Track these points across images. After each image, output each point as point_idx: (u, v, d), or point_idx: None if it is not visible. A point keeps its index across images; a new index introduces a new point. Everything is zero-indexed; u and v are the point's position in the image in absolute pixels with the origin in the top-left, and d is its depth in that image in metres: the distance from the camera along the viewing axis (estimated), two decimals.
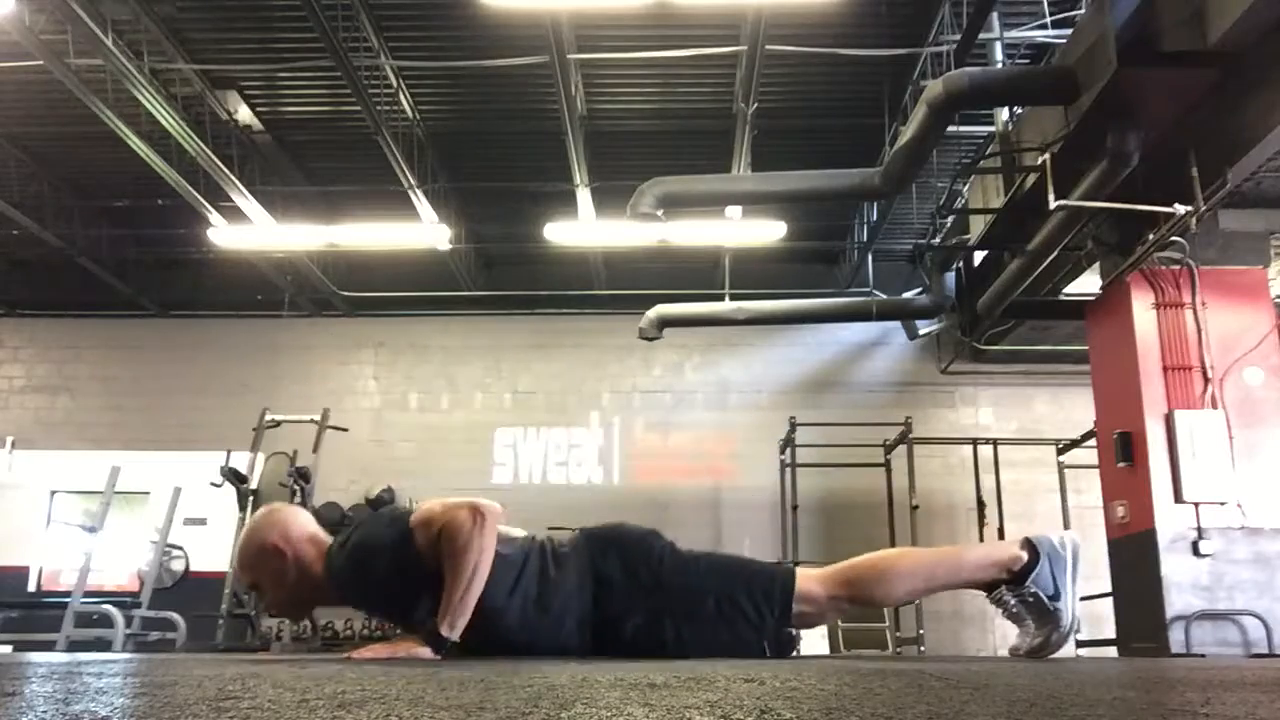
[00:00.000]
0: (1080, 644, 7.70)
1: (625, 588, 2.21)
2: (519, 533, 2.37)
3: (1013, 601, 2.27)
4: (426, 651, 2.10)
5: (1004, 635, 10.19)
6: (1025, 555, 2.24)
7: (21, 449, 11.18)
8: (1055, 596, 2.22)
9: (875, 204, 9.36)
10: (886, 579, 2.27)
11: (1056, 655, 2.27)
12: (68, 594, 7.16)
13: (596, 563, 2.25)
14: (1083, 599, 2.42)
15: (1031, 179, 6.44)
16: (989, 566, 2.27)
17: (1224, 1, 4.75)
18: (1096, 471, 7.39)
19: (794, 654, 2.29)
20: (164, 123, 7.45)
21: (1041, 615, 2.24)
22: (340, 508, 10.61)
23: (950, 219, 9.39)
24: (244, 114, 8.85)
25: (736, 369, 11.08)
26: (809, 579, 2.27)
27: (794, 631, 2.28)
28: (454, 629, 2.12)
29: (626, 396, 11.18)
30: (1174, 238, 6.05)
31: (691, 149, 9.07)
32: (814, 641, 9.82)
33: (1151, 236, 6.14)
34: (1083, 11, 6.49)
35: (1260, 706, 0.90)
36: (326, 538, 2.33)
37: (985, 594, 2.35)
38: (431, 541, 2.14)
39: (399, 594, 2.23)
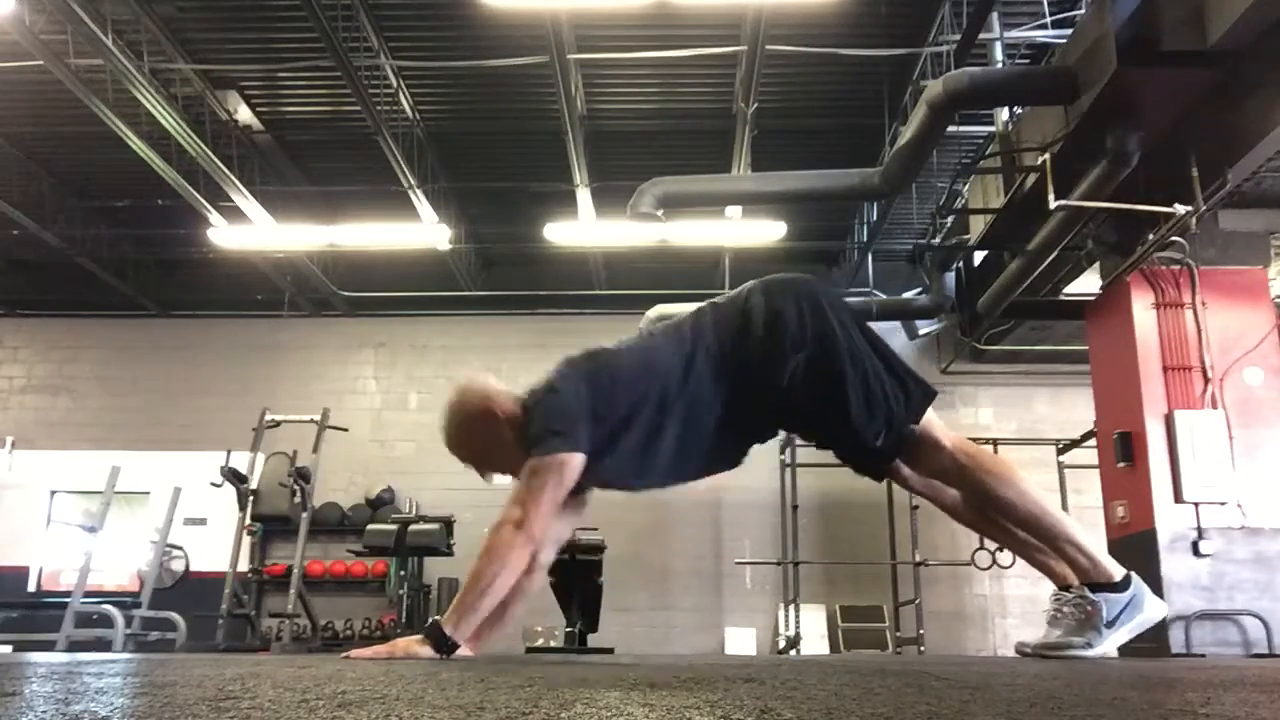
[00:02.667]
0: None
1: (796, 329, 2.21)
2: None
3: (1070, 604, 2.25)
4: (427, 651, 2.10)
5: (1004, 635, 10.19)
6: (1119, 578, 2.22)
7: (21, 449, 11.18)
8: (1109, 625, 2.19)
9: (875, 204, 9.36)
10: (1002, 479, 2.22)
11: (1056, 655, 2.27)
12: (68, 594, 7.15)
13: (774, 302, 2.26)
14: None
15: (1031, 179, 6.44)
16: (1087, 554, 2.23)
17: (1224, 1, 4.75)
18: (1096, 471, 7.39)
19: (894, 458, 2.27)
20: (164, 123, 7.45)
21: (1082, 628, 2.21)
22: (340, 508, 10.62)
23: (950, 219, 9.39)
24: (244, 114, 8.85)
25: None
26: (944, 428, 2.26)
27: (909, 443, 2.24)
28: (459, 631, 2.12)
29: None
30: (1174, 238, 6.05)
31: (691, 149, 9.06)
32: (814, 642, 9.83)
33: (1151, 236, 6.14)
34: (1083, 11, 6.49)
35: (1260, 706, 0.90)
36: (517, 391, 2.34)
37: (1057, 585, 2.32)
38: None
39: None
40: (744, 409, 2.28)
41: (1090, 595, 2.21)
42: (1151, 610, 2.23)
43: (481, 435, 2.29)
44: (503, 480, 2.39)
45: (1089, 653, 2.20)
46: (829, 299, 2.30)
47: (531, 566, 2.37)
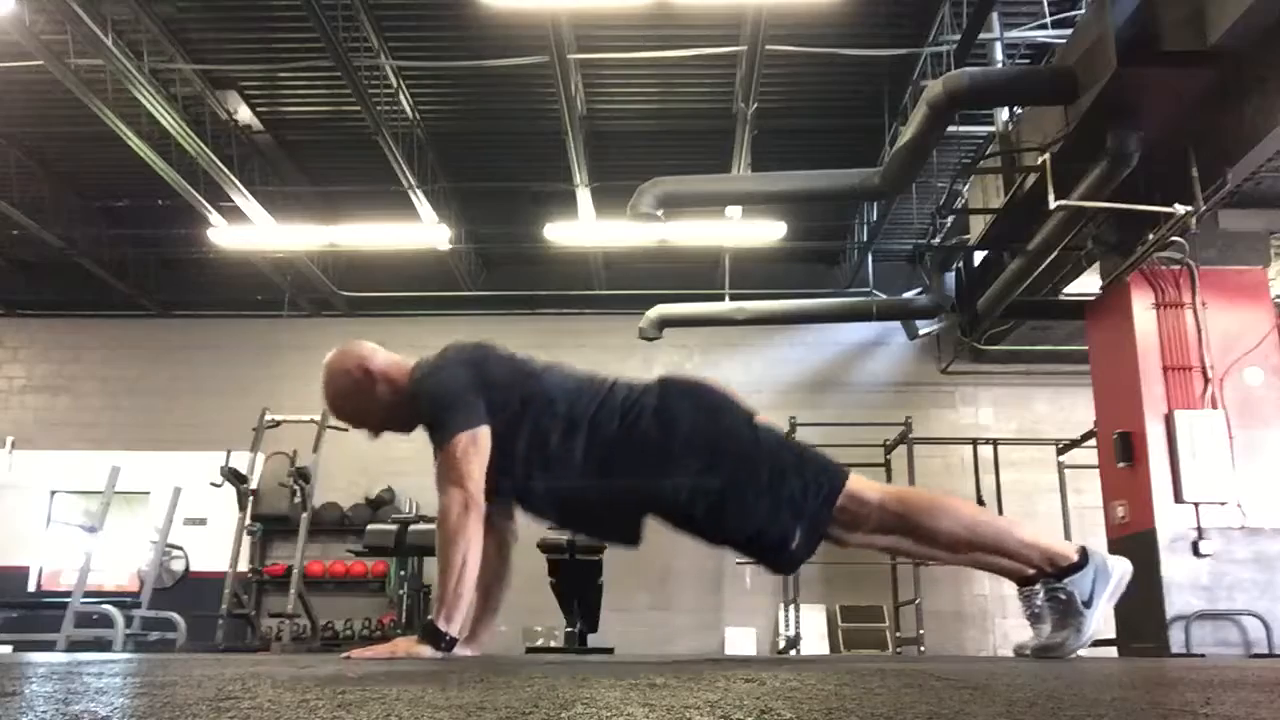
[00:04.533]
0: None
1: (688, 433, 2.19)
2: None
3: (1041, 597, 2.25)
4: (426, 650, 2.10)
5: (1004, 635, 10.19)
6: (1075, 556, 2.23)
7: (21, 449, 11.18)
8: (1087, 604, 2.20)
9: (875, 204, 9.36)
10: (936, 512, 2.22)
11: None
12: (68, 594, 7.15)
13: (670, 402, 2.25)
14: None
15: (1031, 179, 6.44)
16: (1035, 548, 2.23)
17: (1224, 1, 4.75)
18: (1096, 471, 7.39)
19: (812, 552, 2.24)
20: (164, 123, 7.45)
21: (1064, 618, 2.22)
22: (340, 508, 10.62)
23: (950, 219, 9.39)
24: (244, 114, 8.85)
25: (736, 369, 11.07)
26: (864, 482, 2.25)
27: (831, 527, 2.22)
28: (451, 622, 2.12)
29: None
30: (1174, 238, 6.04)
31: (691, 149, 9.06)
32: (814, 642, 9.83)
33: (1151, 236, 6.14)
34: (1083, 11, 6.49)
35: (1260, 706, 0.90)
36: (407, 361, 2.38)
37: (1017, 586, 2.33)
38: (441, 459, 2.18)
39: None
40: (636, 489, 2.24)
41: (1057, 583, 2.22)
42: (1118, 570, 2.24)
43: (355, 393, 2.35)
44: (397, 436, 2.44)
45: (1083, 638, 2.20)
46: (724, 403, 2.29)
47: (501, 542, 2.40)
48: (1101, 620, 2.24)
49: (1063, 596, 2.21)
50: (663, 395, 2.28)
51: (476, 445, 2.16)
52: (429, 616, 2.18)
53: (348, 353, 2.38)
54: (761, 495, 2.16)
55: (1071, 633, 2.21)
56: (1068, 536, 8.54)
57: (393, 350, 2.46)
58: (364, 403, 2.37)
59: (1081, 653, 2.26)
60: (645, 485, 2.22)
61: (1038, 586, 2.27)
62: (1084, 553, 2.24)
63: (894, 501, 2.24)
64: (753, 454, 2.20)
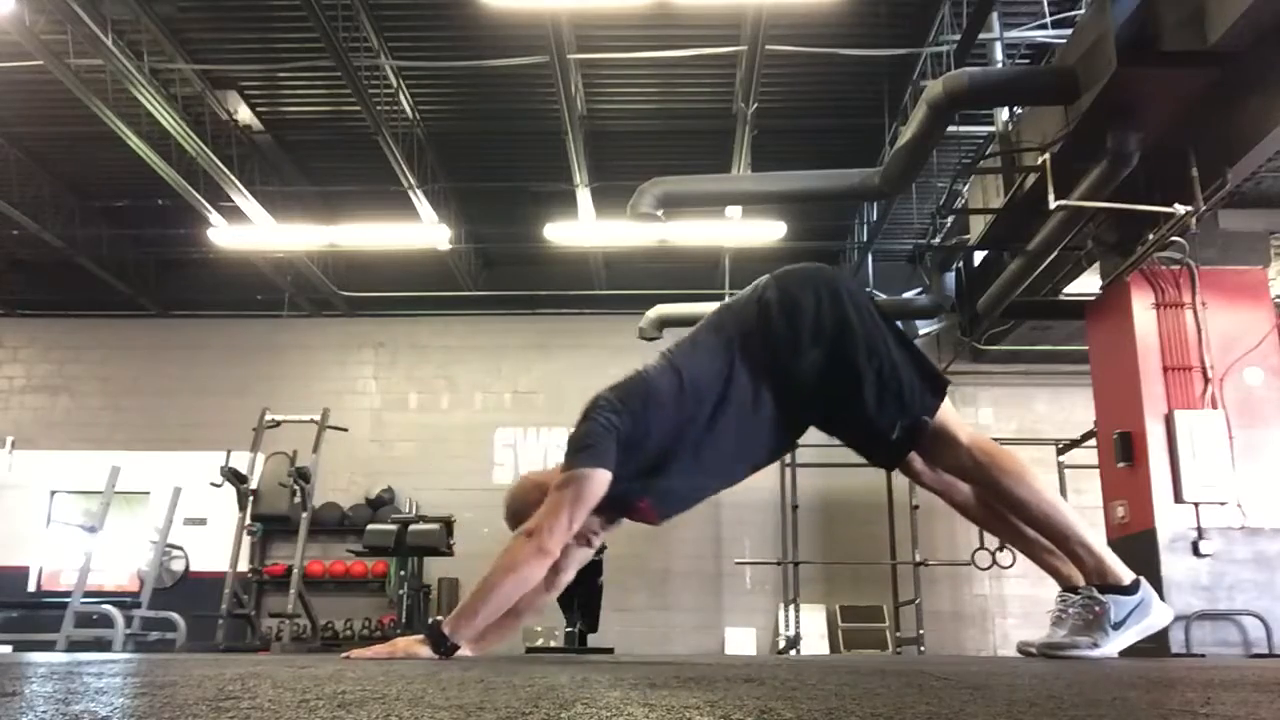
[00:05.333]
0: None
1: (814, 319, 2.21)
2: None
3: (1076, 605, 2.24)
4: (426, 651, 2.10)
5: (1004, 635, 10.20)
6: (1127, 581, 2.21)
7: (21, 449, 11.18)
8: (1115, 626, 2.19)
9: (875, 204, 9.36)
10: (1019, 475, 2.21)
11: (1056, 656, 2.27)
12: (68, 594, 7.15)
13: (792, 291, 2.27)
14: None
15: (1031, 179, 6.44)
16: (1096, 556, 2.21)
17: (1224, 1, 4.75)
18: (1096, 471, 7.39)
19: (909, 450, 2.25)
20: (164, 123, 7.45)
21: (1088, 628, 2.21)
22: (340, 508, 10.63)
23: (950, 219, 9.39)
24: (244, 114, 8.85)
25: None
26: (958, 419, 2.25)
27: (923, 439, 2.22)
28: (458, 634, 2.12)
29: None
30: (1174, 238, 6.04)
31: (691, 149, 9.06)
32: (814, 642, 9.83)
33: (1151, 236, 6.14)
34: (1083, 11, 6.49)
35: (1260, 706, 0.90)
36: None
37: (1063, 586, 2.32)
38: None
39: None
40: (779, 402, 2.26)
41: (1099, 596, 2.20)
42: (1158, 616, 2.22)
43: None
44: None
45: (1094, 653, 2.19)
46: (847, 288, 2.29)
47: (549, 584, 2.39)
48: (1119, 649, 2.21)
49: (1096, 609, 2.20)
50: (782, 286, 2.30)
51: (587, 487, 2.14)
52: (438, 618, 2.18)
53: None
54: (875, 380, 2.18)
55: (1085, 641, 2.20)
56: None
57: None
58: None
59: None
60: (777, 363, 2.23)
61: (1078, 594, 2.25)
62: (1138, 583, 2.22)
63: (980, 451, 2.23)
64: (874, 341, 2.21)
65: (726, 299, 2.43)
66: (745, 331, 2.27)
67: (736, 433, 2.23)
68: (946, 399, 2.23)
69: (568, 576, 2.48)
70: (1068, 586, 2.31)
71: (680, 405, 2.22)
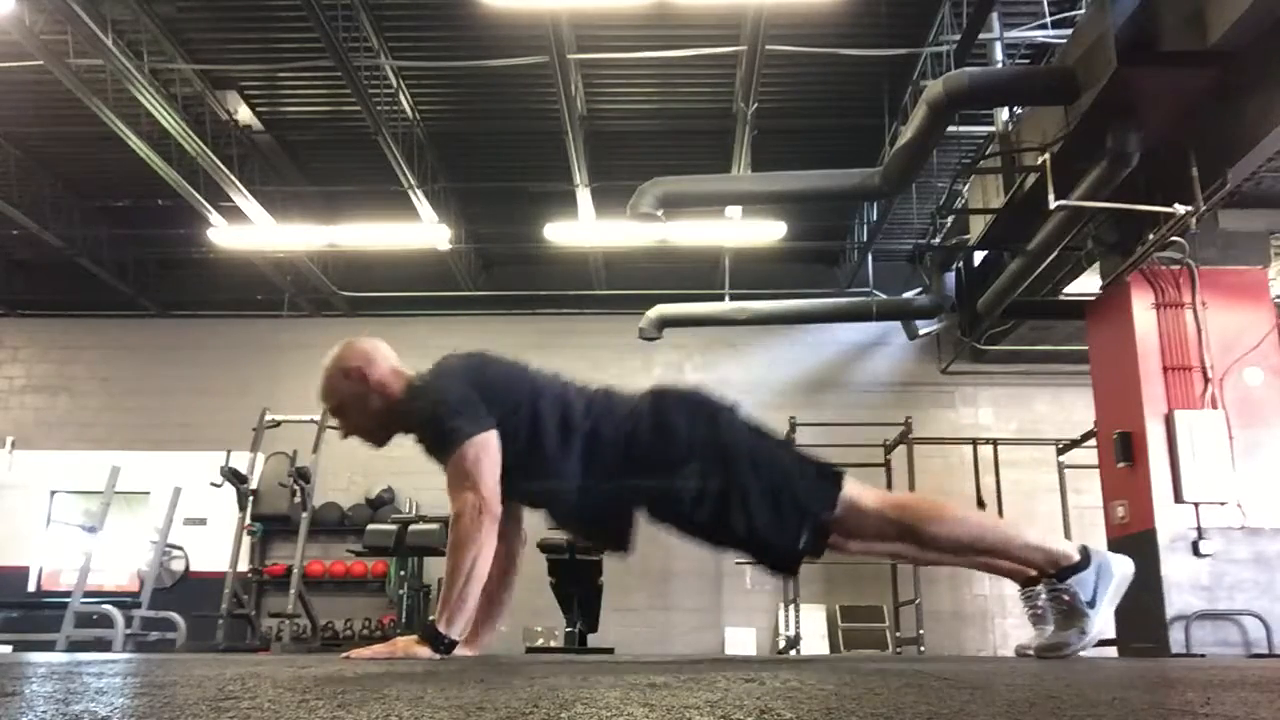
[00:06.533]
0: None
1: (686, 441, 2.19)
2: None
3: (1044, 598, 2.25)
4: (426, 651, 2.10)
5: (1004, 635, 10.19)
6: (1077, 556, 2.22)
7: (21, 449, 11.18)
8: (1090, 604, 2.19)
9: (875, 204, 9.36)
10: (939, 518, 2.21)
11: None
12: (68, 594, 7.15)
13: (664, 414, 2.24)
14: None
15: (1031, 179, 6.44)
16: (1039, 550, 2.22)
17: (1224, 1, 4.75)
18: (1096, 471, 7.39)
19: (819, 554, 2.23)
20: (164, 123, 7.45)
21: (1068, 619, 2.21)
22: (340, 508, 10.62)
23: (950, 219, 9.39)
24: (244, 114, 8.85)
25: (736, 369, 11.08)
26: (864, 488, 2.24)
27: (833, 530, 2.21)
28: (452, 626, 2.12)
29: None
30: (1174, 238, 6.04)
31: (691, 149, 9.06)
32: (814, 642, 9.83)
33: (1151, 236, 6.14)
34: (1083, 11, 6.49)
35: (1260, 706, 0.90)
36: (407, 370, 2.38)
37: (1019, 586, 2.33)
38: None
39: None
40: (628, 492, 2.24)
41: (1059, 584, 2.21)
42: (1121, 569, 2.24)
43: (348, 393, 2.34)
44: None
45: (1087, 638, 2.20)
46: (721, 409, 2.28)
47: (509, 548, 2.40)
48: (1106, 621, 2.23)
49: (1065, 597, 2.21)
50: (658, 405, 2.27)
51: (487, 450, 2.15)
52: (431, 618, 2.18)
53: (352, 352, 2.37)
54: (764, 498, 2.15)
55: (1075, 633, 2.20)
56: (1068, 536, 8.54)
57: (394, 351, 2.46)
58: (352, 405, 2.36)
59: (1082, 653, 2.25)
60: (645, 492, 2.22)
61: (1040, 587, 2.27)
62: (1085, 552, 2.23)
63: (894, 509, 2.23)
64: (753, 457, 2.20)
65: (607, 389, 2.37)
66: (616, 420, 2.25)
67: (582, 452, 2.22)
68: (846, 479, 2.22)
69: (520, 539, 2.50)
70: (1025, 580, 2.32)
71: (521, 385, 2.28)
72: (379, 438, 2.42)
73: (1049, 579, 2.23)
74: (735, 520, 2.16)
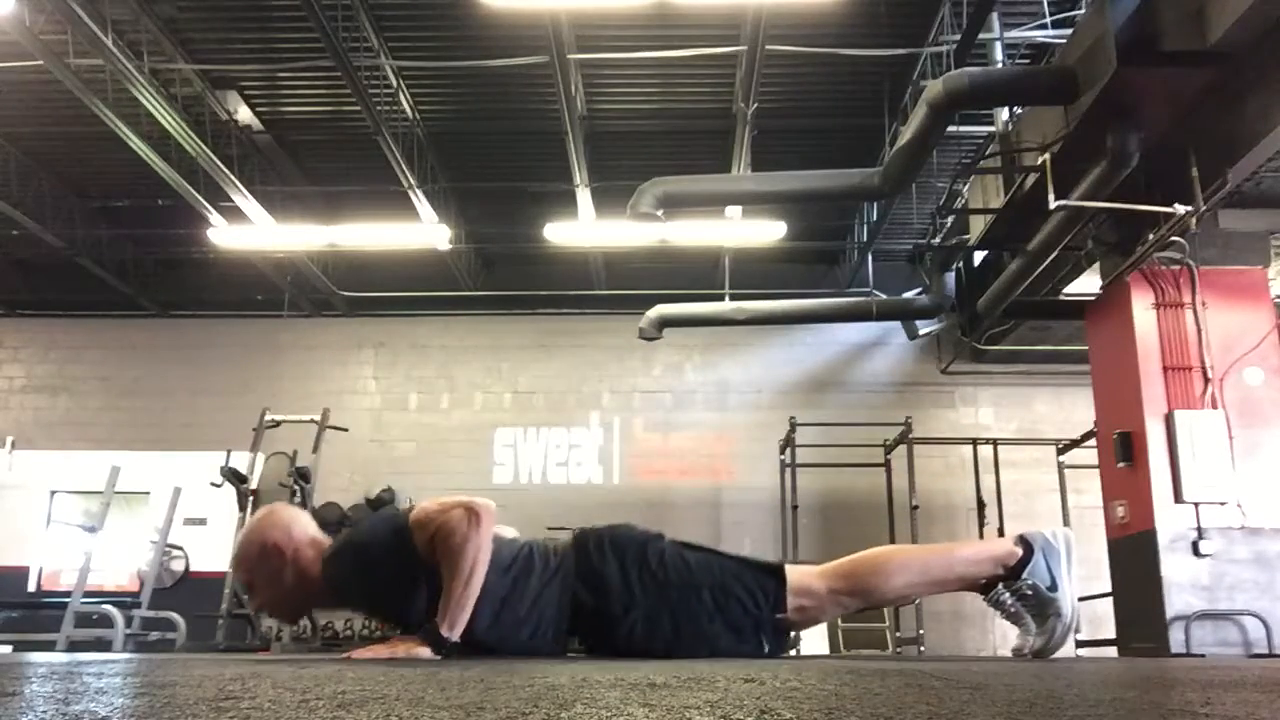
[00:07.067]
0: (1080, 644, 7.69)
1: (621, 586, 2.20)
2: (512, 533, 2.38)
3: (1010, 599, 2.27)
4: (426, 651, 2.10)
5: (1004, 635, 10.19)
6: (1020, 550, 2.25)
7: (21, 449, 11.19)
8: (1053, 587, 2.22)
9: (875, 204, 9.36)
10: (882, 571, 2.26)
11: (1057, 655, 2.27)
12: (68, 594, 7.15)
13: (592, 563, 2.24)
14: (1082, 599, 2.41)
15: (1031, 179, 6.44)
16: (984, 561, 2.27)
17: (1224, 1, 4.75)
18: (1096, 471, 7.39)
19: (792, 647, 2.30)
20: (164, 123, 7.45)
21: (1040, 610, 2.23)
22: (340, 508, 10.62)
23: (950, 219, 9.39)
24: (244, 114, 8.85)
25: (736, 369, 11.08)
26: (806, 573, 2.27)
27: (790, 624, 2.27)
28: (454, 628, 2.12)
29: (626, 396, 11.18)
30: (1174, 238, 6.04)
31: (691, 149, 9.07)
32: (814, 642, 9.82)
33: (1151, 236, 6.14)
34: (1083, 11, 6.49)
35: (1260, 706, 0.90)
36: (326, 540, 2.33)
37: (982, 596, 2.34)
38: (429, 541, 2.14)
39: (396, 594, 2.23)
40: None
41: (1016, 582, 2.24)
42: (1063, 541, 2.27)
43: (266, 570, 2.27)
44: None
45: (1066, 618, 2.22)
46: (646, 544, 2.27)
47: None
48: (1075, 591, 2.25)
49: (1028, 592, 2.23)
50: (583, 558, 2.26)
51: (444, 503, 2.15)
52: (433, 620, 2.17)
53: (272, 520, 2.31)
54: (714, 617, 2.18)
55: (1054, 620, 2.22)
56: None
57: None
58: (265, 579, 2.29)
59: (1082, 653, 2.26)
60: (598, 644, 2.24)
61: (999, 590, 2.29)
62: (1024, 542, 2.27)
63: (840, 580, 2.26)
64: (692, 580, 2.21)
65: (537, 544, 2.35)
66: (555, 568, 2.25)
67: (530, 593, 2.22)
68: (787, 572, 2.24)
69: None
70: (985, 589, 2.33)
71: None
72: (288, 615, 2.43)
73: (1006, 581, 2.26)
74: (695, 648, 2.18)
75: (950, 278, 8.98)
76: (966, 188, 8.51)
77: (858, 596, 2.28)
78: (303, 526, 2.33)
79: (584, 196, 8.73)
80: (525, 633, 2.21)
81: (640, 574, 2.22)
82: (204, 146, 7.76)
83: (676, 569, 2.23)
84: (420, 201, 8.82)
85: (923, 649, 8.91)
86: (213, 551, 9.87)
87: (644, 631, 2.19)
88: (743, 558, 2.31)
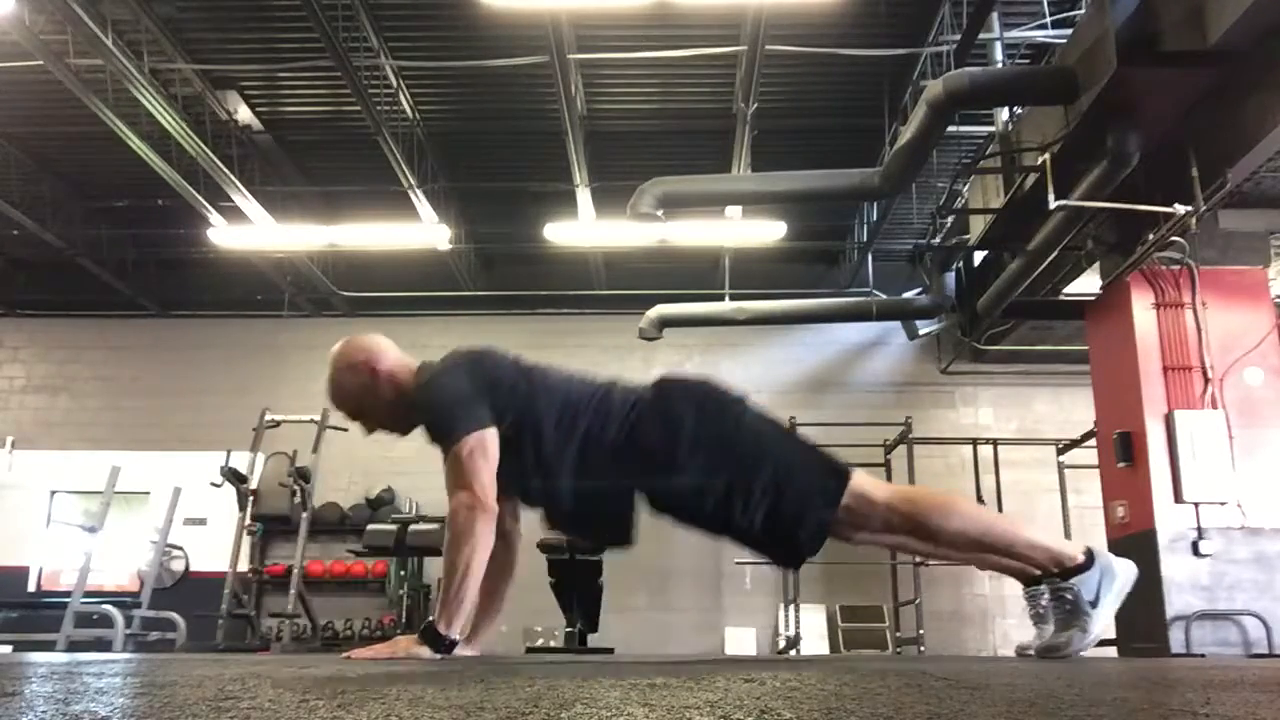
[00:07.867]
0: None
1: (691, 437, 2.17)
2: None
3: (1046, 598, 2.25)
4: (426, 651, 2.10)
5: (1004, 635, 10.19)
6: (1082, 558, 2.21)
7: (21, 449, 11.18)
8: (1094, 604, 2.19)
9: (875, 204, 9.36)
10: (946, 510, 2.20)
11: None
12: (68, 594, 7.15)
13: (670, 407, 2.22)
14: None
15: (1031, 179, 6.44)
16: (1043, 550, 2.21)
17: (1224, 1, 4.75)
18: (1096, 471, 7.39)
19: (818, 548, 2.21)
20: (164, 123, 7.44)
21: (1068, 619, 2.21)
22: (340, 508, 10.62)
23: (950, 219, 9.39)
24: (244, 114, 8.85)
25: (736, 369, 11.08)
26: (872, 481, 2.22)
27: (833, 526, 2.19)
28: (451, 626, 2.12)
29: None
30: (1174, 238, 6.04)
31: (691, 149, 9.06)
32: (814, 642, 9.83)
33: (1151, 236, 6.14)
34: (1083, 11, 6.49)
35: (1260, 706, 0.90)
36: (411, 360, 2.40)
37: (1024, 587, 2.33)
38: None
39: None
40: (634, 484, 2.24)
41: (1063, 583, 2.21)
42: (1125, 573, 2.24)
43: (359, 389, 2.35)
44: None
45: (1089, 639, 2.19)
46: (729, 402, 2.26)
47: (507, 542, 2.40)
48: (1106, 622, 2.23)
49: (1069, 597, 2.20)
50: (662, 396, 2.27)
51: (484, 447, 2.15)
52: (430, 618, 2.18)
53: (356, 347, 2.38)
54: (767, 490, 2.14)
55: (1076, 633, 2.20)
56: (1068, 536, 8.55)
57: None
58: (366, 401, 2.36)
59: (1082, 653, 2.26)
60: (648, 485, 2.21)
61: (1043, 587, 2.26)
62: (1090, 554, 2.23)
63: (902, 501, 2.21)
64: (758, 449, 2.19)
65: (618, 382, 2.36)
66: (624, 415, 2.24)
67: (581, 451, 2.22)
68: (854, 473, 2.21)
69: (517, 533, 2.49)
70: (1028, 580, 2.31)
71: (521, 386, 2.27)
72: (401, 427, 2.42)
73: (1052, 578, 2.23)
74: (738, 517, 2.15)
75: (950, 278, 8.98)
76: (966, 188, 8.51)
77: (913, 528, 2.20)
78: (386, 346, 2.40)
79: (584, 196, 8.73)
80: (610, 475, 2.20)
81: (713, 428, 2.19)
82: (204, 146, 7.76)
83: (747, 436, 2.20)
84: (420, 201, 8.82)
85: (923, 649, 8.92)
86: (213, 551, 9.86)
87: (699, 487, 2.15)
88: (817, 450, 2.26)
